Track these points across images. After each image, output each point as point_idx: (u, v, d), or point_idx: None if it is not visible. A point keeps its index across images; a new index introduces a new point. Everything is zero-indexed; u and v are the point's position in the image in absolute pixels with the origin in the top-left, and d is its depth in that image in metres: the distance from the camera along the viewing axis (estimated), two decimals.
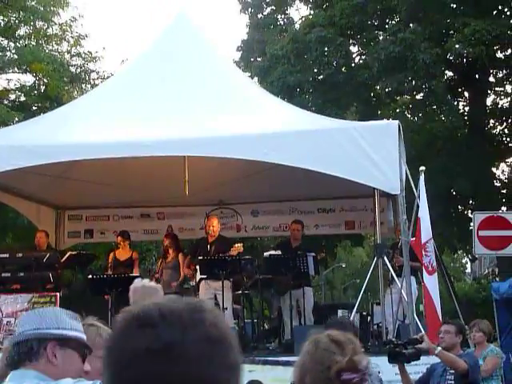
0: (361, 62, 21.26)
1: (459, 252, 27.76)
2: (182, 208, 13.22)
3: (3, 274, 10.30)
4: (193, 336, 1.24)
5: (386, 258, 9.01)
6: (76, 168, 10.82)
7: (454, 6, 20.08)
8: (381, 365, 6.73)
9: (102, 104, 10.12)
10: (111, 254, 11.80)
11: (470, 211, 20.60)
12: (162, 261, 11.77)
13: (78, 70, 20.73)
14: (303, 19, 23.44)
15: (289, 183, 11.20)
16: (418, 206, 8.95)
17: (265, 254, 11.03)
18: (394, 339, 6.73)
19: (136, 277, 10.92)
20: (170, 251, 11.57)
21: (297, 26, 23.21)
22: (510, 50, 20.75)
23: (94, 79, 21.17)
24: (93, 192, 12.42)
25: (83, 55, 20.84)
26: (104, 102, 10.18)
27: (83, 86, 20.91)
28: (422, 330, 8.31)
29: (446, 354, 6.01)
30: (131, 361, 1.23)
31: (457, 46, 18.00)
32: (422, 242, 8.61)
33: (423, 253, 8.57)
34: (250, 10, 24.16)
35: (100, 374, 1.35)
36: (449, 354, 6.06)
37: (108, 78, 19.89)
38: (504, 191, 22.02)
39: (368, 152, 8.48)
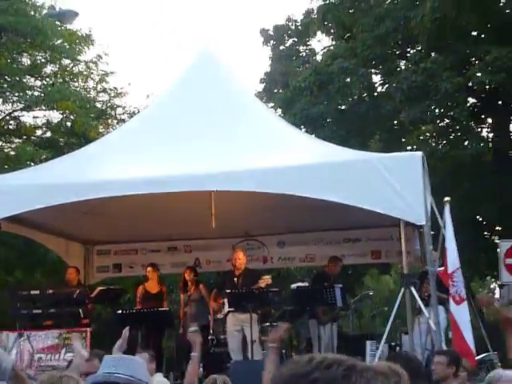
0: (383, 91, 21.37)
1: (488, 278, 27.54)
2: (208, 241, 13.34)
3: (34, 311, 10.45)
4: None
5: (413, 289, 9.03)
6: (104, 204, 10.99)
7: (475, 33, 20.17)
8: None
9: (129, 141, 10.32)
10: (140, 287, 11.93)
11: (496, 237, 20.50)
12: (186, 294, 11.86)
13: (104, 106, 21.08)
14: (325, 50, 23.66)
15: (314, 214, 11.27)
16: (443, 236, 8.99)
17: (292, 285, 11.11)
18: None
19: (166, 311, 11.07)
20: (190, 284, 11.67)
21: (319, 57, 23.42)
22: None
23: (119, 114, 21.49)
24: (121, 227, 12.59)
25: (109, 91, 21.18)
26: (131, 139, 10.37)
27: (109, 121, 21.23)
28: None
29: None
30: None
31: (478, 74, 18.07)
32: (449, 271, 8.64)
33: (450, 283, 8.59)
34: (272, 42, 24.45)
35: None
36: None
37: (134, 112, 20.20)
38: None
39: (392, 183, 8.55)
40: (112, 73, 21.05)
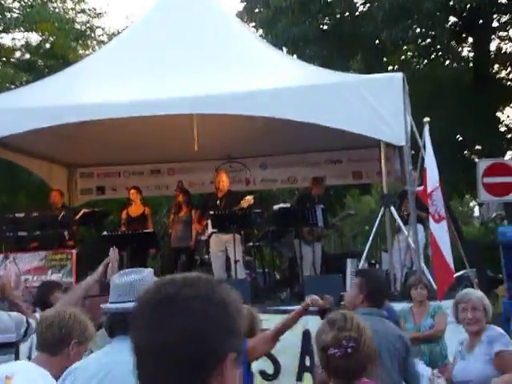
0: (365, 10, 21.14)
1: (467, 196, 27.92)
2: (191, 163, 13.44)
3: (20, 233, 10.59)
4: (188, 292, 1.47)
5: (392, 208, 9.23)
6: (86, 127, 10.95)
7: None
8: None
9: (109, 65, 10.26)
10: (124, 211, 12.06)
11: (476, 156, 20.72)
12: (174, 215, 12.01)
13: (83, 27, 20.75)
14: None
15: (296, 136, 11.36)
16: (423, 157, 9.14)
17: (274, 206, 11.27)
18: None
19: (150, 232, 11.23)
20: (183, 206, 11.81)
21: None
22: None
23: (99, 35, 21.19)
24: (103, 150, 12.63)
25: (88, 11, 20.81)
26: (111, 62, 10.31)
27: (89, 42, 20.94)
28: (429, 275, 8.59)
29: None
30: (141, 310, 1.49)
31: None
32: (428, 191, 8.81)
33: (429, 202, 8.77)
34: None
35: None
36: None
37: (113, 34, 19.92)
38: (509, 136, 22.09)
39: (373, 105, 8.64)
40: None
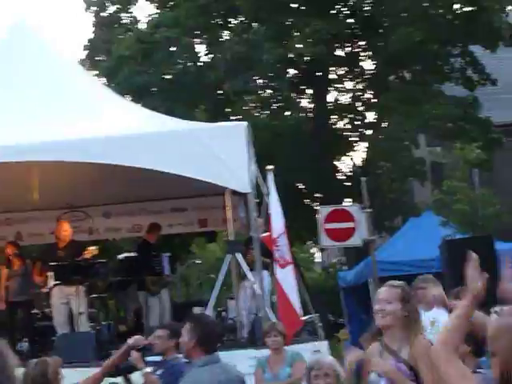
0: (208, 61, 21.52)
1: (308, 243, 28.71)
2: (30, 213, 12.90)
3: None
4: None
5: (239, 255, 9.28)
6: None
7: (296, 5, 20.73)
8: (235, 359, 6.95)
9: None
10: None
11: (316, 203, 21.38)
12: (8, 269, 11.46)
13: None
14: (150, 18, 23.39)
15: (140, 184, 11.23)
16: (267, 204, 9.30)
17: (119, 256, 11.05)
18: None
19: None
20: (15, 259, 11.28)
21: (142, 25, 23.12)
22: (350, 48, 21.71)
23: None
24: None
25: None
26: None
27: None
28: (275, 320, 8.66)
29: None
30: None
31: (298, 45, 18.65)
32: (273, 236, 8.96)
33: (274, 247, 8.91)
34: (94, 8, 23.81)
35: None
36: None
37: None
38: (347, 184, 23.01)
39: (217, 153, 8.71)
40: None
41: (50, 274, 10.38)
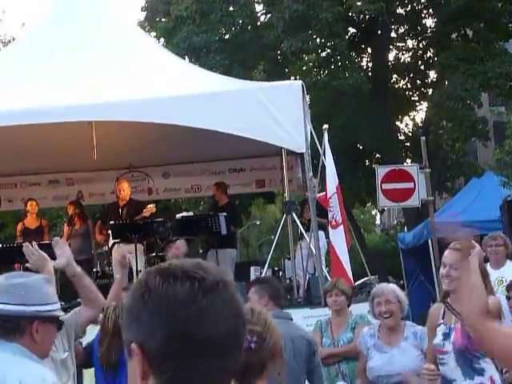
0: (266, 21, 21.35)
1: (368, 204, 28.52)
2: (91, 173, 13.11)
3: None
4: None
5: (294, 215, 9.28)
6: None
7: None
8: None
9: (5, 72, 9.92)
10: (19, 224, 11.68)
11: (376, 165, 21.21)
12: (70, 228, 11.71)
13: None
14: None
15: (199, 145, 11.29)
16: (323, 163, 9.24)
17: (177, 215, 11.15)
18: None
19: (46, 244, 10.87)
20: (77, 219, 11.51)
21: None
22: (409, 6, 21.26)
23: None
24: None
25: None
26: (7, 70, 9.98)
27: None
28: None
29: None
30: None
31: (358, 3, 18.32)
32: (327, 197, 8.91)
33: (328, 208, 8.87)
34: None
35: None
36: None
37: (9, 41, 19.35)
38: (408, 144, 22.72)
39: (273, 112, 8.66)
40: None
41: (110, 232, 10.57)
